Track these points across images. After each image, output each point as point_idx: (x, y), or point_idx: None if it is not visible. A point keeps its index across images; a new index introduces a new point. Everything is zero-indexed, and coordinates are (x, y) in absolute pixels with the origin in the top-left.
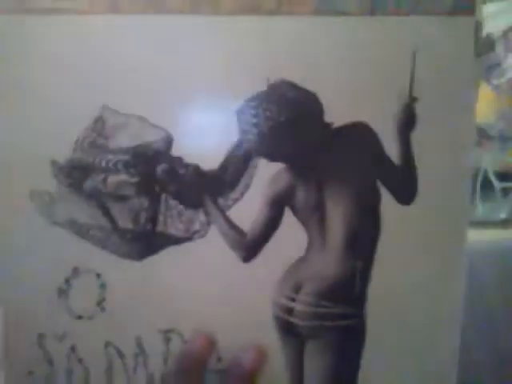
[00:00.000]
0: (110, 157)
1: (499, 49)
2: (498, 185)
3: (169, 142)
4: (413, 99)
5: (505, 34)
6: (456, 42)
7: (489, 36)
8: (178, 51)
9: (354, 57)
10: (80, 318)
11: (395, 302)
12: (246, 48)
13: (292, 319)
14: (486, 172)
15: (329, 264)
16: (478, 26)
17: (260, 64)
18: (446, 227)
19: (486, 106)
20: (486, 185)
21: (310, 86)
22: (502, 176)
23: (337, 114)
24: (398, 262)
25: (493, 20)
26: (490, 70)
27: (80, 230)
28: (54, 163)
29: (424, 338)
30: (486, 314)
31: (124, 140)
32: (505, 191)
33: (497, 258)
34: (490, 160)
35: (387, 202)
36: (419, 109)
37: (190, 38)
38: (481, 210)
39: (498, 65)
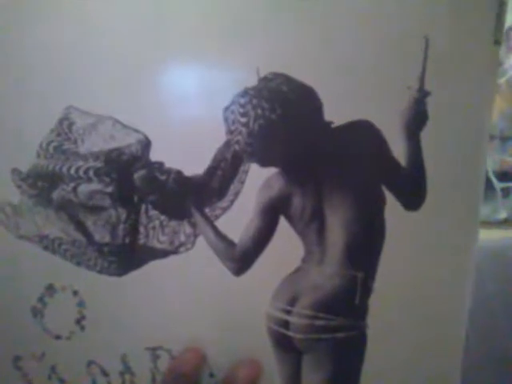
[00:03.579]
0: (80, 163)
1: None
2: (498, 185)
3: (146, 144)
4: (424, 93)
5: (506, 32)
6: (473, 26)
7: None
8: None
9: (355, 42)
10: (58, 337)
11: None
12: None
13: (287, 332)
14: (486, 172)
15: (327, 275)
16: (501, 7)
17: (249, 53)
18: (457, 236)
19: None
20: (486, 185)
21: (305, 78)
22: (502, 176)
23: (337, 112)
24: (403, 272)
25: None
26: None
27: (50, 245)
28: (15, 172)
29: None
30: (486, 314)
31: (95, 144)
32: (505, 191)
33: (497, 257)
34: (490, 160)
35: (392, 208)
36: (429, 104)
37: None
38: (481, 210)
39: (499, 64)
